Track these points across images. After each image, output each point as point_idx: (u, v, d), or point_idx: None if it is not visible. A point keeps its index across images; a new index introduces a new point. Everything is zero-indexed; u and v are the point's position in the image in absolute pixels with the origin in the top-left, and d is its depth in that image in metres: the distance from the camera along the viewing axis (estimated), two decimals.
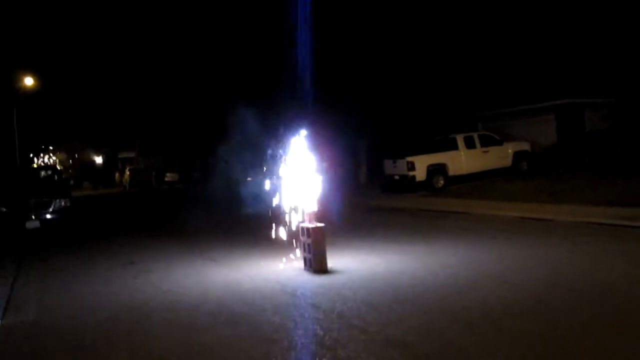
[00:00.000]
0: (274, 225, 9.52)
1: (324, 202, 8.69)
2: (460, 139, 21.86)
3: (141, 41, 42.38)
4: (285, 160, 8.92)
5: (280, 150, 9.19)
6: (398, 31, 25.52)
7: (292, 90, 22.65)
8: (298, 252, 9.00)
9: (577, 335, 4.93)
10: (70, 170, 60.02)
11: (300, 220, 8.67)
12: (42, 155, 75.17)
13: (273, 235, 9.58)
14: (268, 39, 27.05)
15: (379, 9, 25.46)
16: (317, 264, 8.10)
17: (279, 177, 9.10)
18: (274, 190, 9.26)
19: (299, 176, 8.60)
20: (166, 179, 48.46)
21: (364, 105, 25.22)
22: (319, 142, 8.75)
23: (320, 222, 8.38)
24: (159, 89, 43.51)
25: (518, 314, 5.63)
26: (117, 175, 55.57)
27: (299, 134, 8.73)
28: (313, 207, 8.46)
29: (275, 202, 9.22)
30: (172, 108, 43.49)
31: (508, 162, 22.20)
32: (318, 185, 8.45)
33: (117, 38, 46.77)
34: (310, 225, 8.22)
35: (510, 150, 22.33)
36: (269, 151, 9.85)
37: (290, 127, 9.13)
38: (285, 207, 9.01)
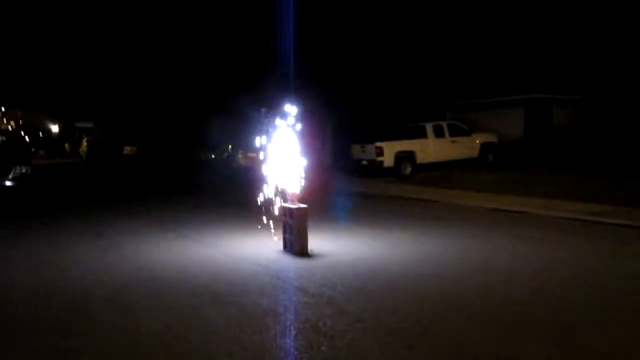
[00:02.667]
0: (247, 203, 9.25)
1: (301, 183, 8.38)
2: (429, 128, 21.82)
3: (101, 9, 40.83)
4: (263, 138, 8.60)
5: (254, 128, 8.87)
6: (373, 15, 25.23)
7: (257, 67, 22.17)
8: (273, 231, 8.79)
9: (568, 322, 4.81)
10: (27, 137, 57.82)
11: (280, 199, 8.40)
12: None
13: (246, 214, 9.30)
14: (232, 10, 26.41)
15: None
16: (298, 246, 7.83)
17: (250, 156, 8.78)
18: (243, 168, 8.96)
19: (279, 155, 8.30)
20: (124, 152, 47.28)
21: (332, 87, 24.86)
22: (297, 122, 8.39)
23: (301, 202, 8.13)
24: (119, 60, 42.18)
25: (514, 301, 5.50)
26: (67, 146, 53.80)
27: (275, 112, 8.39)
28: (296, 187, 8.18)
29: (246, 180, 8.92)
30: (134, 80, 42.27)
31: (475, 152, 22.30)
32: (302, 164, 8.17)
33: (77, 6, 44.90)
34: (294, 206, 7.94)
35: (477, 141, 22.42)
36: (237, 128, 9.56)
37: (258, 104, 8.81)
38: (260, 186, 8.73)
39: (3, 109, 65.80)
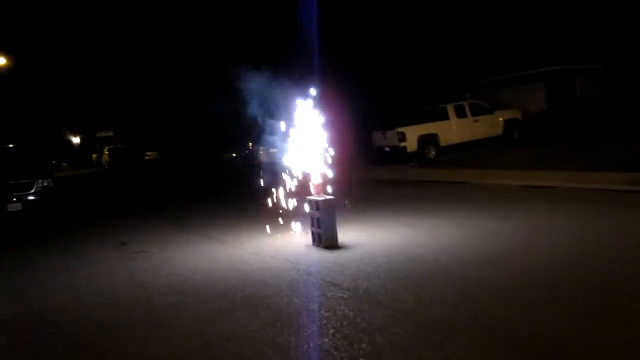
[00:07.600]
0: (268, 199, 9.05)
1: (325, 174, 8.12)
2: (450, 109, 21.38)
3: (113, 19, 40.79)
4: (287, 131, 8.35)
5: (277, 123, 8.64)
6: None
7: (278, 55, 21.84)
8: (298, 225, 8.68)
9: (622, 305, 4.48)
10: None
11: (301, 191, 8.18)
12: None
13: (268, 210, 9.10)
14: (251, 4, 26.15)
15: None
16: (327, 239, 7.59)
17: (273, 151, 8.56)
18: (265, 163, 8.74)
19: (302, 147, 8.04)
20: (146, 157, 47.53)
21: (350, 73, 24.43)
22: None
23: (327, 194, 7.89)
24: (135, 66, 42.20)
25: (559, 284, 5.17)
26: (94, 156, 54.37)
27: (300, 104, 8.13)
28: (321, 178, 7.93)
29: (267, 175, 8.70)
30: (151, 85, 42.25)
31: (499, 130, 21.81)
32: (327, 156, 7.91)
33: (90, 13, 44.95)
34: (320, 198, 7.68)
35: (500, 119, 21.91)
36: (258, 125, 9.33)
37: (279, 97, 8.55)
38: (282, 179, 8.52)
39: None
